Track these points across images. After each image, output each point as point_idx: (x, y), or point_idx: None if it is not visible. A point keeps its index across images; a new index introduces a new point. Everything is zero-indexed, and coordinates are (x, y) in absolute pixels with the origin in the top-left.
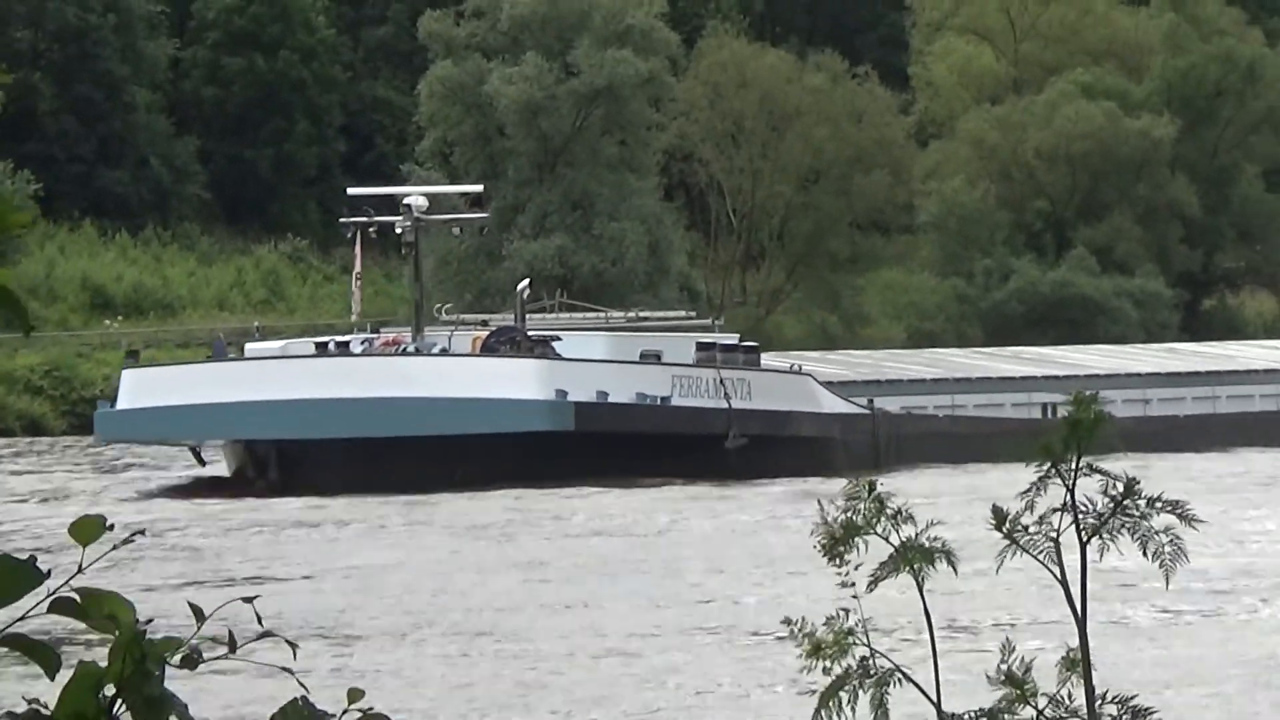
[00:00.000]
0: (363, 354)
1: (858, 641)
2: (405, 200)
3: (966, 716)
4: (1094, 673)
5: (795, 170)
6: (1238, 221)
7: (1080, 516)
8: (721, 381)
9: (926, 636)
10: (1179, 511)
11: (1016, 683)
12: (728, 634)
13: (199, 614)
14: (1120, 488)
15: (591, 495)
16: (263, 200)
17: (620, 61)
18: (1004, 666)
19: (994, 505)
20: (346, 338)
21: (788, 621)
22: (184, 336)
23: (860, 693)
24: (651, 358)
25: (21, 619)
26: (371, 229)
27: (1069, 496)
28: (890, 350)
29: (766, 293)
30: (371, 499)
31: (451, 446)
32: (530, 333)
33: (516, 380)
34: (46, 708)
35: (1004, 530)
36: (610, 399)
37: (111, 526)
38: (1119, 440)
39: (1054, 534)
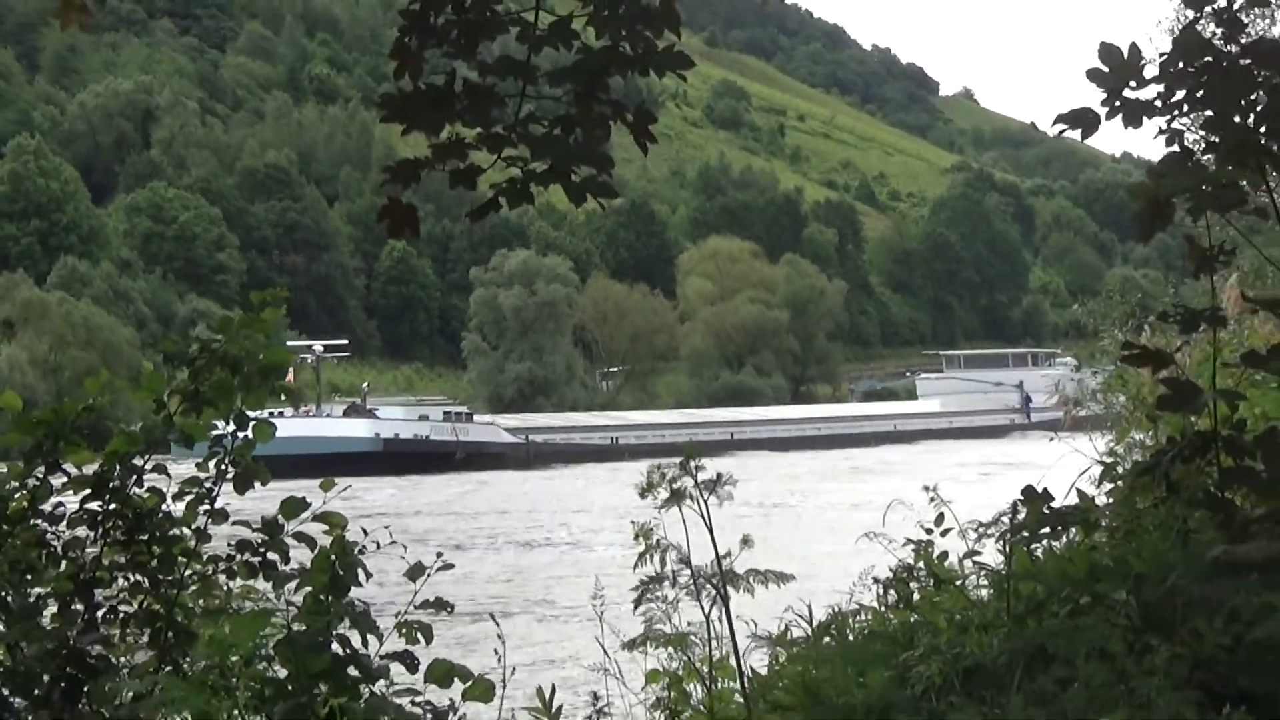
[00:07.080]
0: (292, 416)
1: (654, 532)
2: (313, 345)
3: (699, 567)
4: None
5: (629, 334)
6: (816, 355)
7: (701, 485)
8: (454, 428)
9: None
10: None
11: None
12: (528, 538)
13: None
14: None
15: (391, 482)
16: (402, 345)
17: (554, 290)
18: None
19: (664, 478)
20: (284, 410)
21: (636, 527)
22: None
23: (655, 556)
24: (423, 417)
25: (301, 523)
26: (298, 358)
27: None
28: (621, 412)
29: (617, 385)
30: (292, 483)
31: (326, 458)
32: (367, 407)
33: (356, 429)
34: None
35: (671, 492)
36: (400, 436)
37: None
38: (628, 451)
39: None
